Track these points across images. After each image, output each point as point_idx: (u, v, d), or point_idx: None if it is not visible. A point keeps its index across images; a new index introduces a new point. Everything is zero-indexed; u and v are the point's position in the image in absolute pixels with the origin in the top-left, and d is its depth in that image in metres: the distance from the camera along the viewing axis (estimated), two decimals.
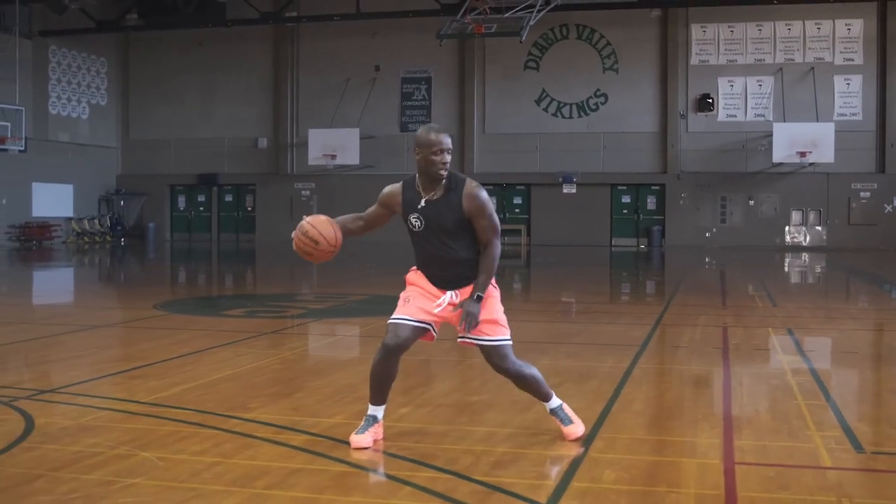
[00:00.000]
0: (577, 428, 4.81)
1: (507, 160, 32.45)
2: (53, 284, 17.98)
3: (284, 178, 34.98)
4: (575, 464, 4.41)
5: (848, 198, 30.23)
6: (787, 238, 30.94)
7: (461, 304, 4.58)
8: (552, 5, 24.09)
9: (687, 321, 10.29)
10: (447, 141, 4.55)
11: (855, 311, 12.77)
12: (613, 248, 31.41)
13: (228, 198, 36.47)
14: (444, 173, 4.57)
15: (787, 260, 25.52)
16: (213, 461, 4.42)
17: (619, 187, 32.45)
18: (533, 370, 4.82)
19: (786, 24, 30.50)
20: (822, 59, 30.32)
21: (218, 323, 10.10)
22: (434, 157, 4.53)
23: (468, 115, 33.12)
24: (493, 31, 22.71)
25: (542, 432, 5.01)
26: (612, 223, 32.64)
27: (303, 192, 34.98)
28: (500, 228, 4.68)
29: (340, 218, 4.93)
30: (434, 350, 7.33)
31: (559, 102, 32.53)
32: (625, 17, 31.04)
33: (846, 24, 30.07)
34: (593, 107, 32.34)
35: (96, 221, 34.52)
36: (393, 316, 4.71)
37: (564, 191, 32.21)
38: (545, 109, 32.58)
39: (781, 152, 29.10)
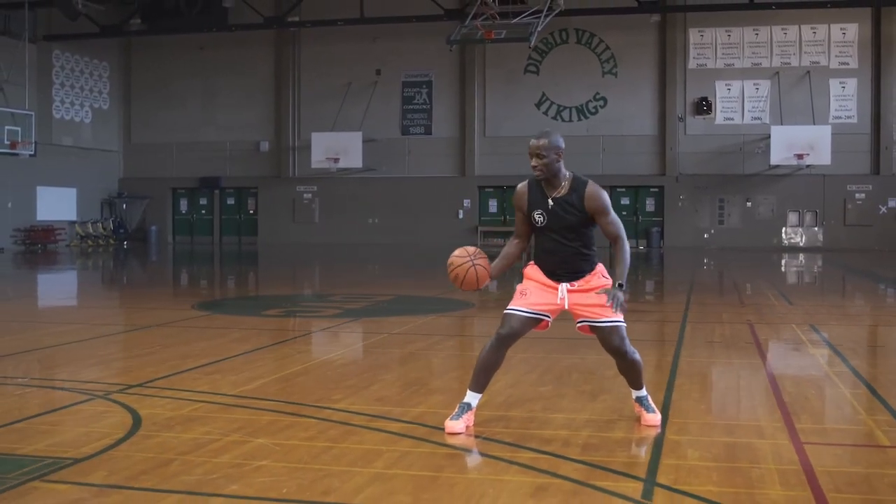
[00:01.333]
0: (657, 417, 5.26)
1: (507, 163, 32.78)
2: (79, 287, 18.23)
3: (286, 181, 35.32)
4: (657, 445, 4.82)
5: (844, 199, 30.81)
6: (784, 239, 31.49)
7: (607, 291, 4.97)
8: (557, 10, 24.53)
9: (712, 318, 10.72)
10: (534, 144, 4.99)
11: (869, 308, 13.25)
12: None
13: (230, 201, 36.77)
14: (539, 174, 5.02)
15: (789, 260, 26.03)
16: (325, 445, 4.80)
17: (619, 189, 32.88)
18: (639, 357, 5.25)
19: (782, 29, 31.07)
20: (818, 62, 30.89)
21: (262, 322, 10.47)
22: (531, 161, 5.02)
23: (469, 118, 33.55)
24: (502, 36, 23.13)
25: (616, 419, 5.42)
26: None
27: (305, 195, 35.34)
28: (622, 226, 5.11)
29: (503, 252, 5.26)
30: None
31: (559, 106, 33.00)
32: (623, 21, 31.53)
33: (841, 29, 30.66)
34: (593, 110, 32.82)
35: (99, 225, 34.78)
36: (509, 307, 5.10)
37: None
38: (545, 113, 33.03)
39: (779, 155, 29.64)
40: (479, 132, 33.55)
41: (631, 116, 32.39)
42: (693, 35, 31.82)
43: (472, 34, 23.38)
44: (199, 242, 36.32)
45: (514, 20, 23.04)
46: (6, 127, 26.93)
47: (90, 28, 31.85)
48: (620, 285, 4.96)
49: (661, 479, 4.19)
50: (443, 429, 5.08)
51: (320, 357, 7.74)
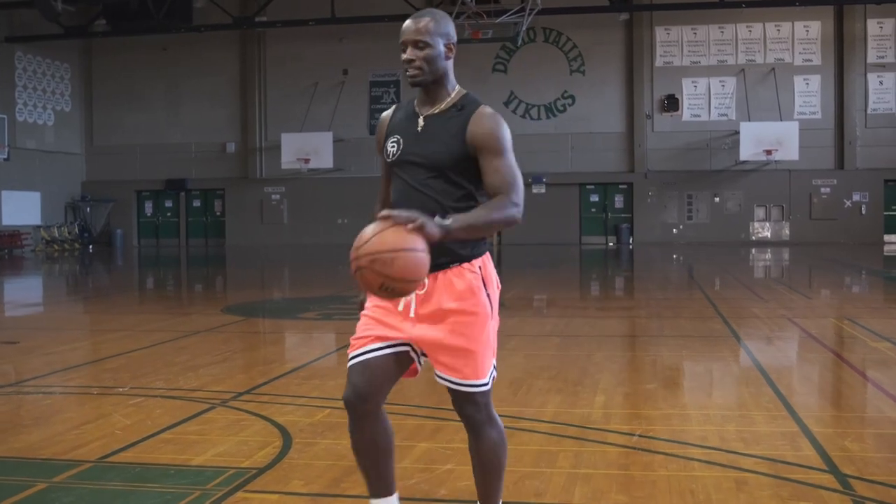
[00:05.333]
0: None
1: None
2: (82, 293, 17.82)
3: (254, 183, 35.08)
4: (811, 438, 4.98)
5: (809, 194, 31.65)
6: (752, 233, 32.22)
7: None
8: (538, 9, 24.82)
9: (746, 313, 10.97)
10: (412, 26, 3.05)
11: (886, 299, 13.67)
12: (583, 247, 32.29)
13: (196, 203, 36.40)
14: (415, 74, 3.04)
15: (764, 255, 26.64)
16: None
17: (588, 186, 33.36)
18: (504, 439, 3.28)
19: (747, 27, 31.79)
20: (783, 59, 31.70)
21: (311, 326, 10.46)
22: (404, 54, 3.07)
23: None
24: (489, 36, 23.32)
25: (748, 412, 5.59)
26: (582, 222, 33.56)
27: (273, 197, 35.15)
28: (521, 186, 3.03)
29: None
30: (582, 346, 7.75)
31: (527, 104, 33.30)
32: (590, 20, 31.93)
33: (805, 26, 31.49)
34: (561, 108, 33.19)
35: (64, 229, 34.14)
36: (350, 354, 3.22)
37: (534, 191, 32.89)
38: (514, 111, 33.29)
39: (748, 150, 30.35)
40: None
41: (599, 114, 32.84)
42: (660, 33, 32.38)
43: (460, 34, 23.51)
44: (164, 245, 35.90)
45: (499, 19, 23.25)
46: None
47: (54, 29, 31.23)
48: (443, 224, 2.82)
49: (845, 470, 4.36)
50: (595, 427, 5.18)
51: None
